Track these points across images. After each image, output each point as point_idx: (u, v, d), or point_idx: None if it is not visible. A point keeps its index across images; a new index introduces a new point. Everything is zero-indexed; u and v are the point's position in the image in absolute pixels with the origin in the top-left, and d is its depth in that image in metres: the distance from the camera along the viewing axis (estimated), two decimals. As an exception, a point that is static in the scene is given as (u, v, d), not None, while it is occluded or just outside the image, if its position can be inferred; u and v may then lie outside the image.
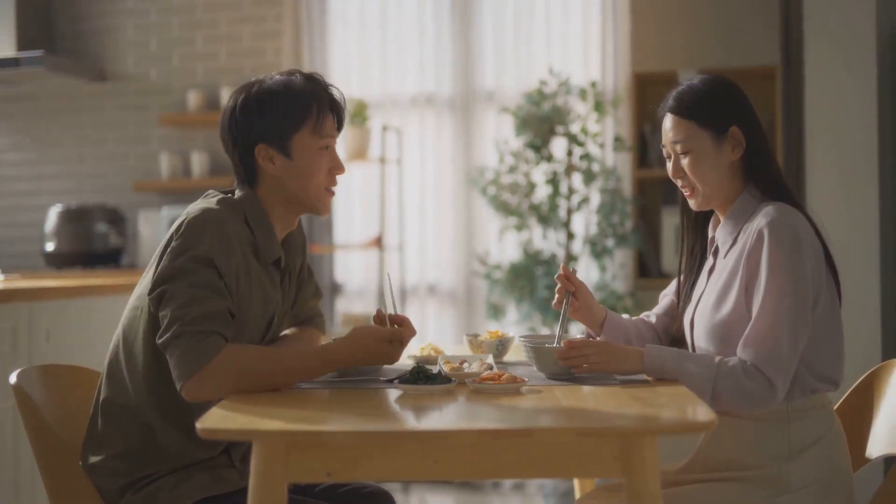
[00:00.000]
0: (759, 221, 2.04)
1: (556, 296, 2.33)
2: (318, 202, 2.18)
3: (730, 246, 2.13)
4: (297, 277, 2.33)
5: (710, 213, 2.25)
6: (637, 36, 4.97)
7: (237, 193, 2.18)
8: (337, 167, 2.19)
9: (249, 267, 2.08)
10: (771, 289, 1.99)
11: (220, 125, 2.18)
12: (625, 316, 2.41)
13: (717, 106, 2.14)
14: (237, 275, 2.04)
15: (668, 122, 2.18)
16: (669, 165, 2.20)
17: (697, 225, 2.30)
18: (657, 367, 2.05)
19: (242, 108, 2.13)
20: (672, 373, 2.03)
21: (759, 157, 2.14)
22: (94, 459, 2.09)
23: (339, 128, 2.22)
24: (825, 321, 2.07)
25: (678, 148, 2.16)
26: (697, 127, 2.13)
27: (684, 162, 2.15)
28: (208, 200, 2.13)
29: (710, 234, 2.24)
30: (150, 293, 2.00)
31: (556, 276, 2.34)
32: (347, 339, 2.04)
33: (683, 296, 2.28)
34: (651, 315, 2.42)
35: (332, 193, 2.21)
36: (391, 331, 2.05)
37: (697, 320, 2.16)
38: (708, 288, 2.17)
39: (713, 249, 2.21)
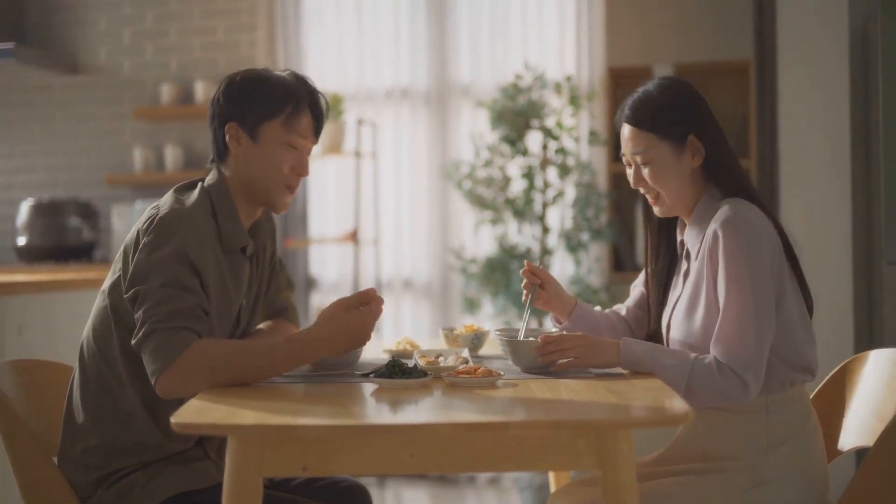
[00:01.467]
0: (714, 222, 2.06)
1: (524, 291, 2.34)
2: (272, 195, 2.17)
3: (699, 248, 2.14)
4: (268, 264, 2.32)
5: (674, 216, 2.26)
6: (612, 30, 4.98)
7: (207, 179, 2.18)
8: (300, 168, 2.18)
9: (217, 259, 2.08)
10: (731, 286, 2.01)
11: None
12: (597, 308, 2.42)
13: (674, 116, 2.13)
14: (209, 268, 2.04)
15: (626, 132, 2.18)
16: (630, 173, 2.21)
17: (661, 228, 2.30)
18: (633, 360, 2.06)
19: (227, 86, 2.17)
20: (647, 366, 2.05)
21: (718, 160, 2.14)
22: (68, 452, 2.08)
23: (317, 133, 2.21)
24: (794, 313, 2.08)
25: (638, 159, 2.16)
26: (656, 139, 2.13)
27: (645, 172, 2.16)
28: (176, 197, 2.12)
29: (678, 238, 2.25)
30: (125, 293, 2.00)
31: (521, 271, 2.34)
32: (317, 323, 2.02)
33: (658, 299, 2.29)
34: (622, 308, 2.43)
35: (291, 192, 2.20)
36: (354, 296, 2.04)
37: (673, 324, 2.17)
38: (683, 292, 2.18)
39: (684, 253, 2.22)
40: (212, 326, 2.04)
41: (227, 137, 2.15)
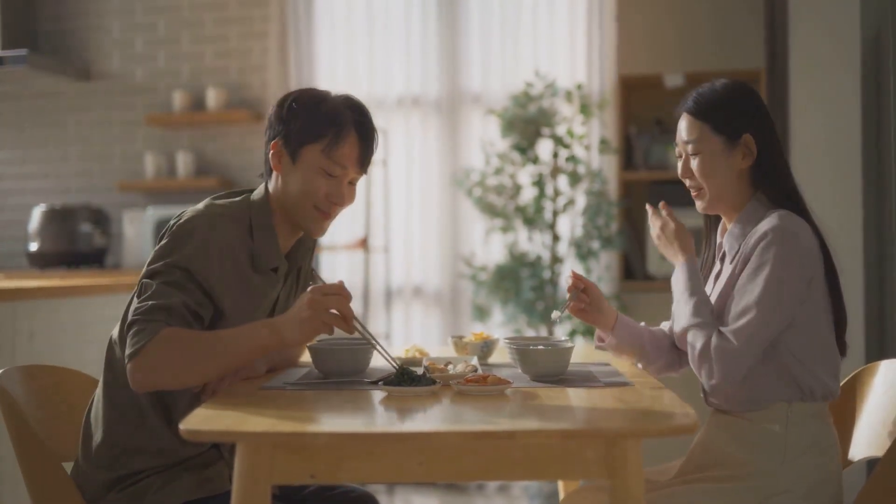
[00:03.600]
0: (762, 226, 2.06)
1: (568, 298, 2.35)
2: (305, 219, 2.15)
3: (736, 252, 2.14)
4: (303, 278, 2.33)
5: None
6: (623, 39, 4.98)
7: (254, 193, 2.18)
8: (336, 196, 2.13)
9: (243, 274, 2.08)
10: (760, 292, 2.01)
11: None
12: (642, 324, 2.40)
13: (733, 112, 2.14)
14: (223, 282, 2.04)
15: (683, 121, 2.19)
16: (680, 165, 2.22)
17: (714, 231, 2.32)
18: (685, 275, 2.18)
19: (280, 103, 2.16)
20: (681, 290, 2.15)
21: (770, 166, 2.15)
22: (85, 450, 2.11)
23: (362, 164, 2.16)
24: (823, 328, 2.07)
25: (689, 148, 2.17)
26: (711, 130, 2.14)
27: (694, 163, 2.17)
28: (207, 204, 2.12)
29: (717, 241, 2.26)
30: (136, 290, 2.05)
31: (567, 276, 2.35)
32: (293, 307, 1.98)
33: None
34: (667, 324, 2.43)
35: (325, 217, 2.15)
36: (324, 286, 1.96)
37: None
38: (713, 293, 2.18)
39: (720, 255, 2.22)
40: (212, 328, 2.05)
41: (270, 154, 2.15)
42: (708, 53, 4.93)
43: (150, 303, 1.95)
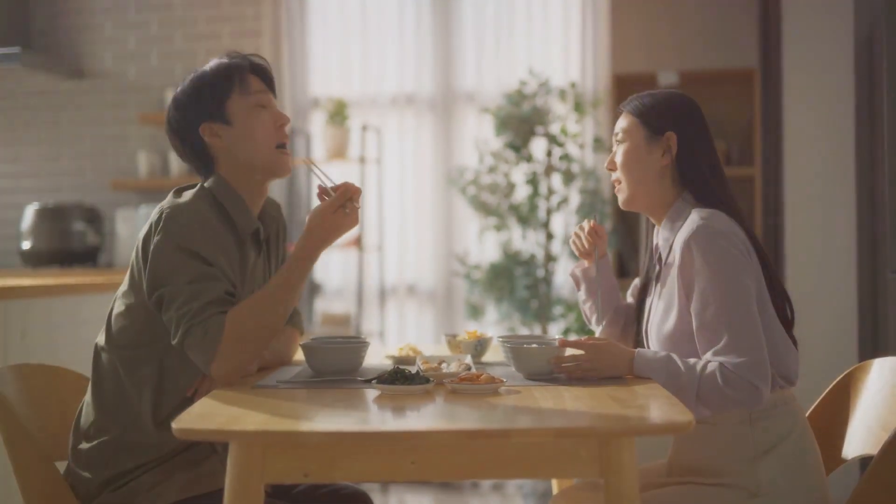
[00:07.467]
0: (683, 233, 2.08)
1: (585, 246, 2.43)
2: (270, 162, 2.21)
3: (668, 253, 2.16)
4: (279, 250, 2.36)
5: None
6: (617, 37, 4.98)
7: (207, 182, 2.22)
8: (279, 118, 2.22)
9: (228, 248, 2.11)
10: (718, 296, 2.00)
11: (167, 134, 2.25)
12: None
13: (661, 109, 2.21)
14: (224, 257, 2.07)
15: (620, 117, 2.28)
16: (609, 157, 2.29)
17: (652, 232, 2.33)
18: (645, 372, 2.06)
19: (174, 104, 2.22)
20: (659, 379, 2.03)
21: (691, 167, 2.18)
22: (77, 451, 2.11)
23: (270, 87, 2.26)
24: (767, 317, 2.08)
25: (618, 137, 2.25)
26: (638, 123, 2.21)
27: (618, 152, 2.24)
28: (178, 195, 2.18)
29: (653, 242, 2.27)
30: (149, 297, 2.05)
31: (588, 229, 2.43)
32: (306, 231, 2.10)
33: (638, 304, 2.32)
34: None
35: (284, 149, 2.24)
36: (338, 196, 2.12)
37: (650, 332, 2.19)
38: (655, 298, 2.20)
39: (657, 256, 2.23)
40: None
41: (205, 140, 2.19)
42: (701, 52, 4.93)
43: (195, 303, 1.98)
